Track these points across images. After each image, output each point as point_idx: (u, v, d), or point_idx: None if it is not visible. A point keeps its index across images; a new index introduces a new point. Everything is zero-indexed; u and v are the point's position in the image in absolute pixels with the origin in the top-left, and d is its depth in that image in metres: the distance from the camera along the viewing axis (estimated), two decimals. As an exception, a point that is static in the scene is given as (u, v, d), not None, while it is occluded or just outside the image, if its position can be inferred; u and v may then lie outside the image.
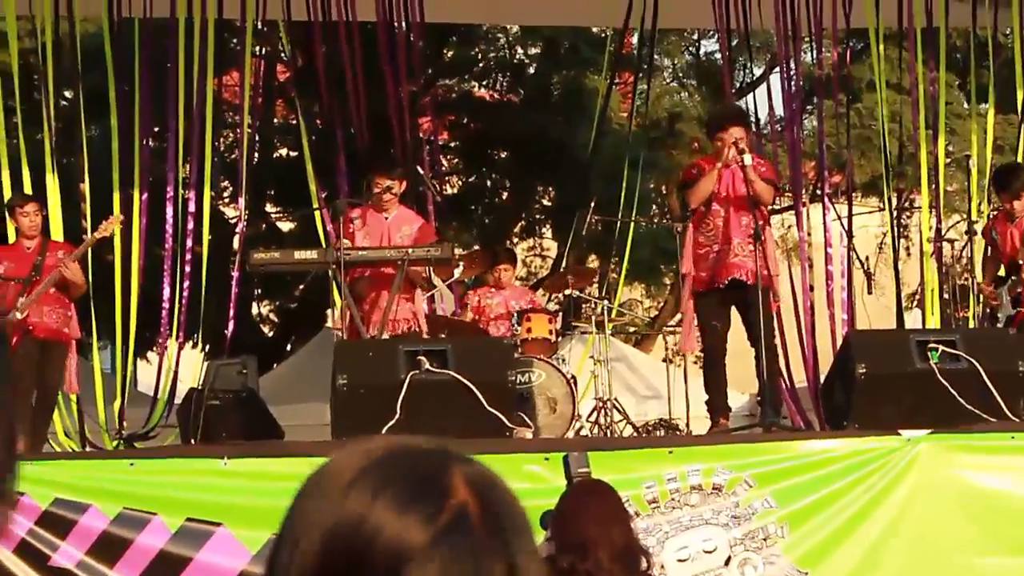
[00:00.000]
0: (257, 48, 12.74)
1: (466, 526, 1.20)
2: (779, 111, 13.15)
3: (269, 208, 19.21)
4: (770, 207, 9.22)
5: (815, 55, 12.97)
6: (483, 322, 10.81)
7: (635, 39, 14.22)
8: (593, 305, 11.20)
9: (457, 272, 10.94)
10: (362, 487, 1.22)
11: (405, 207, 9.64)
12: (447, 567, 1.18)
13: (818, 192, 13.25)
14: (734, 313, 9.00)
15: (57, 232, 10.65)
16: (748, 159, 8.67)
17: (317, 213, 12.03)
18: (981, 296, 10.35)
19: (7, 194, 10.76)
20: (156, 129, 12.26)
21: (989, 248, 10.14)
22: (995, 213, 10.26)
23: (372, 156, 11.50)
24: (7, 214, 10.06)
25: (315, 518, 1.23)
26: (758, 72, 19.02)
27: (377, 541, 1.19)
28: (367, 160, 11.24)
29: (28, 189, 10.82)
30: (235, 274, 12.05)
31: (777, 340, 9.32)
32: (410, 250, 8.95)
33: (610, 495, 5.10)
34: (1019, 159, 11.98)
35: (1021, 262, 9.45)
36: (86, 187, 11.63)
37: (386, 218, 9.35)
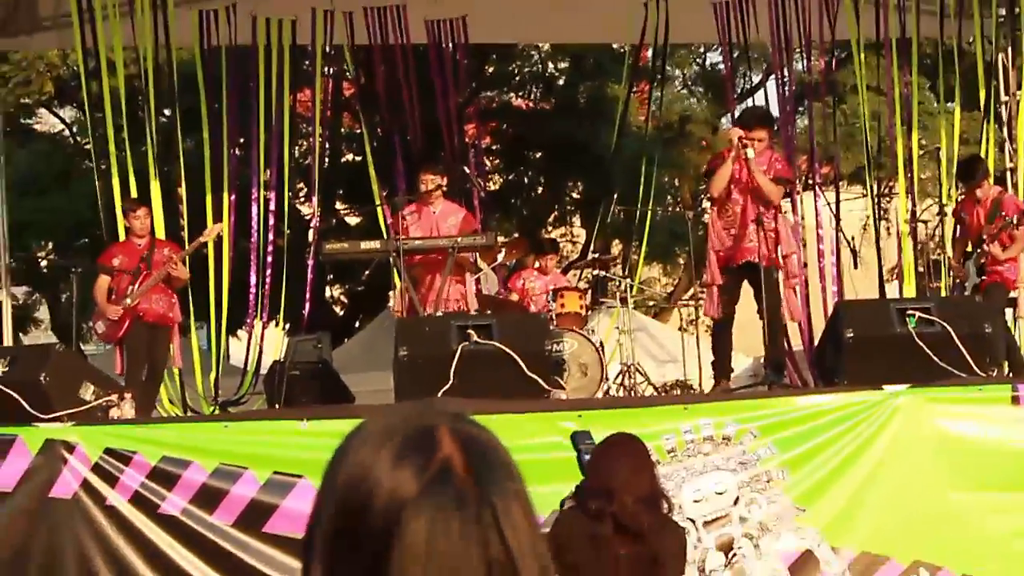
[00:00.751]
0: (326, 68, 12.76)
1: (450, 477, 1.18)
2: (775, 112, 13.06)
3: (338, 205, 19.25)
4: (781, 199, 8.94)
5: (805, 63, 12.89)
6: (526, 301, 10.81)
7: (650, 53, 14.14)
8: (618, 283, 11.17)
9: (500, 256, 10.94)
10: (370, 445, 1.22)
11: (448, 200, 9.63)
12: (435, 514, 1.16)
13: (810, 182, 13.17)
14: (745, 287, 8.87)
15: (160, 230, 10.73)
16: (751, 153, 8.52)
17: (379, 209, 12.08)
18: (951, 269, 10.28)
19: (118, 196, 10.85)
20: (241, 140, 12.31)
21: (958, 227, 10.06)
22: (963, 197, 10.18)
23: (419, 157, 11.53)
24: (121, 216, 10.15)
25: (339, 470, 1.24)
26: (756, 79, 18.95)
27: (378, 492, 1.19)
28: (416, 161, 11.27)
29: (134, 193, 10.90)
30: (310, 263, 12.11)
31: (786, 313, 9.12)
32: (459, 239, 8.95)
33: (638, 446, 5.02)
34: (982, 150, 11.90)
35: (985, 236, 9.38)
36: (183, 191, 11.70)
37: (434, 212, 9.34)
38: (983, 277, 9.39)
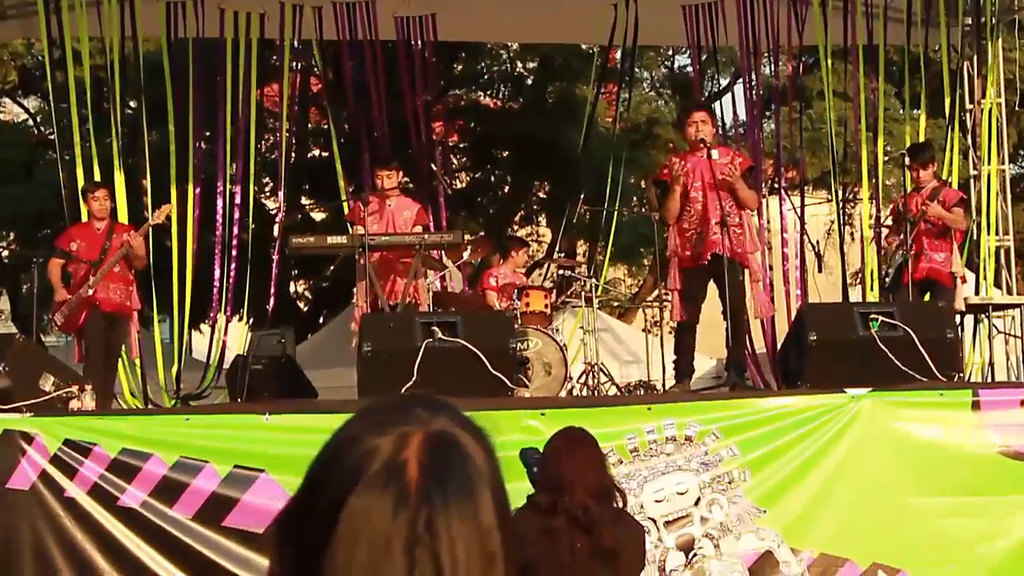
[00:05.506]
0: (294, 63, 12.69)
1: (402, 475, 1.17)
2: (742, 116, 13.13)
3: (304, 200, 19.18)
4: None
5: (773, 68, 12.95)
6: (501, 297, 10.73)
7: (618, 54, 14.16)
8: (583, 283, 11.17)
9: (465, 255, 10.91)
10: (358, 423, 1.23)
11: (403, 195, 9.69)
12: (372, 503, 1.16)
13: (776, 186, 13.22)
14: (710, 286, 8.85)
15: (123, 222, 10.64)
16: (715, 154, 8.55)
17: (344, 204, 12.04)
18: (882, 260, 10.24)
19: (81, 187, 10.75)
20: (207, 133, 12.24)
21: (895, 223, 10.02)
22: (906, 194, 10.21)
23: (373, 154, 11.53)
24: (81, 199, 10.07)
25: (332, 437, 1.24)
26: (724, 83, 19.00)
27: (346, 460, 1.19)
28: (370, 159, 11.28)
29: (98, 184, 10.81)
30: (275, 257, 12.07)
31: (751, 310, 9.10)
32: (425, 236, 8.95)
33: (588, 441, 5.02)
34: (946, 157, 11.99)
35: (924, 208, 9.41)
36: (148, 183, 11.62)
37: (389, 205, 9.39)
38: (907, 256, 9.35)
